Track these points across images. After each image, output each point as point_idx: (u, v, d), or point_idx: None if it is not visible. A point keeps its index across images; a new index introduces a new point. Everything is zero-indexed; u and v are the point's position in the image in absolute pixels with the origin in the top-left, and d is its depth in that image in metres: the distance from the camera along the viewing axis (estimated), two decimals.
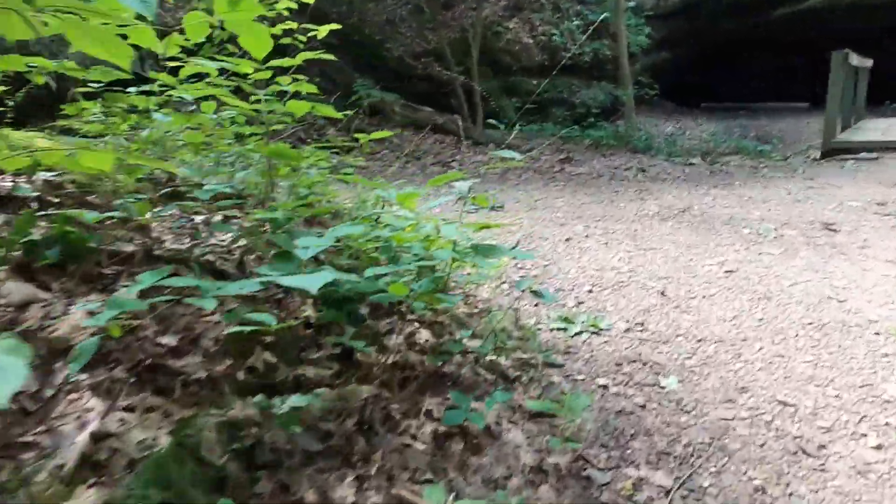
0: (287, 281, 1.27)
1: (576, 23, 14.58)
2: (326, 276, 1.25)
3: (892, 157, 7.24)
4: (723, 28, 17.15)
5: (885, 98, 14.84)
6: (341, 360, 1.66)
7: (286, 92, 2.29)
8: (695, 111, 16.89)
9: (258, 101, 2.18)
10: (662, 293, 3.06)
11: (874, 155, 7.20)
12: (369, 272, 1.59)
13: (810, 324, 2.67)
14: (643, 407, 2.01)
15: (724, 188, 5.39)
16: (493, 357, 1.98)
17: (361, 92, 7.46)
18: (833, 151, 7.61)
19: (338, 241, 1.74)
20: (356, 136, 2.80)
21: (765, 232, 3.91)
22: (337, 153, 3.50)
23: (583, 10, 14.95)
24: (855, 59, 8.26)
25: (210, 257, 1.76)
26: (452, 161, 6.71)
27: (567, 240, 3.92)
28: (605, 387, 2.14)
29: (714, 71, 18.45)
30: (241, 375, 1.41)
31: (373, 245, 1.95)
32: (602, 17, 15.51)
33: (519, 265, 3.43)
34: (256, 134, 2.59)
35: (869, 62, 9.95)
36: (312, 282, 1.22)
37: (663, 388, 2.14)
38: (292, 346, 1.58)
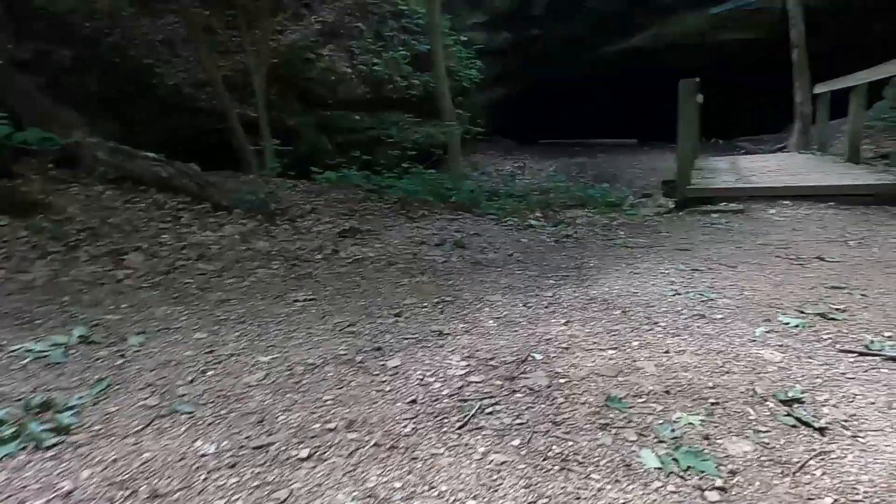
0: None
1: (402, 52, 12.48)
2: None
3: (758, 206, 5.71)
4: (555, 64, 16.07)
5: (709, 135, 14.43)
6: None
7: None
8: (533, 148, 15.45)
9: None
10: None
11: (739, 206, 5.64)
12: None
13: None
14: None
15: (577, 282, 3.17)
16: None
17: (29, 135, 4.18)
18: (689, 201, 6.00)
19: None
20: None
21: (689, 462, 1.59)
22: None
23: (409, 40, 12.88)
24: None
25: None
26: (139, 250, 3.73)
27: None
28: None
29: (550, 107, 17.34)
30: None
31: None
32: (429, 47, 13.64)
33: None
34: None
35: (700, 97, 8.79)
36: None
37: None
38: None
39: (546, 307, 2.76)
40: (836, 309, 2.73)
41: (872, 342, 2.31)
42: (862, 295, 2.93)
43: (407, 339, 2.35)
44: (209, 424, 1.74)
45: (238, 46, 9.57)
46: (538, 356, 2.18)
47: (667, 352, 2.24)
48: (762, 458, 1.54)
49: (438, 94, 8.44)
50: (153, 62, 9.12)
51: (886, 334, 2.40)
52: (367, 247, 3.92)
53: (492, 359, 2.16)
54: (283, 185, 6.12)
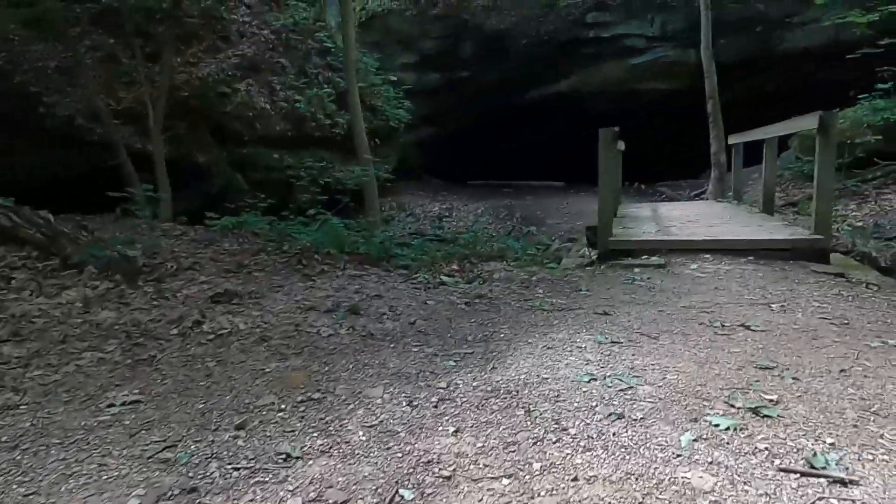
0: None
1: (326, 90, 11.98)
2: None
3: (679, 260, 5.47)
4: (485, 106, 16.03)
5: (632, 179, 14.64)
6: None
7: None
8: (463, 189, 15.18)
9: None
10: None
11: (661, 259, 5.37)
12: None
13: None
14: None
15: (482, 362, 2.60)
16: None
17: None
18: (611, 253, 5.71)
19: None
20: None
21: None
22: None
23: (334, 78, 12.42)
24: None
25: None
26: None
27: None
28: None
29: (480, 148, 17.26)
30: None
31: None
32: (360, 85, 13.21)
33: None
34: None
35: (622, 144, 8.76)
36: None
37: None
38: None
39: (435, 406, 2.22)
40: (769, 400, 2.34)
41: (815, 455, 1.90)
42: (794, 379, 2.57)
43: (239, 468, 1.75)
44: None
45: (146, 76, 8.78)
46: (409, 494, 1.62)
47: (575, 479, 1.74)
48: None
49: (354, 134, 7.93)
50: (40, 90, 8.16)
51: (828, 440, 2.00)
52: (241, 316, 3.28)
53: (346, 502, 1.58)
54: (172, 232, 5.38)
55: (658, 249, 5.43)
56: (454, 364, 2.73)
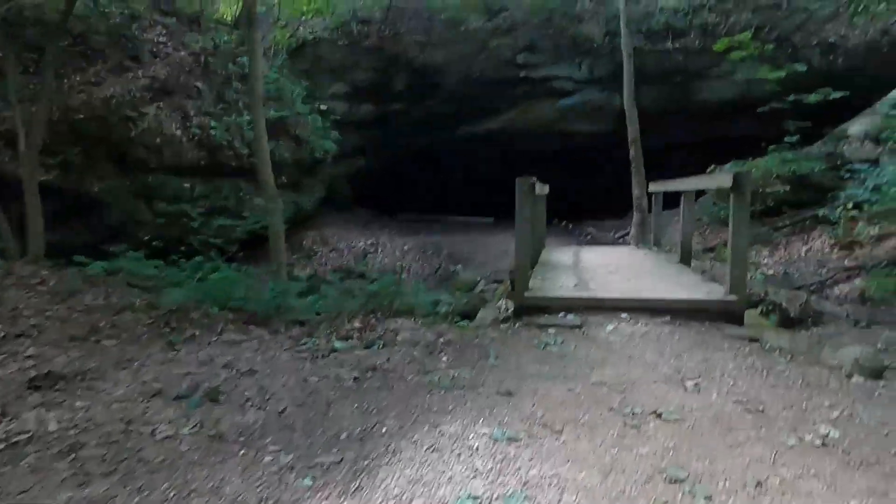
0: None
1: (246, 118, 11.28)
2: None
3: (595, 320, 5.16)
4: (417, 139, 15.72)
5: (560, 217, 14.62)
6: None
7: None
8: (392, 222, 14.73)
9: None
10: None
11: (577, 320, 5.04)
12: None
13: None
14: None
15: (347, 477, 1.96)
16: None
17: None
18: (528, 309, 5.35)
19: None
20: None
21: None
22: None
23: None
24: (537, 188, 6.37)
25: None
26: None
27: None
28: None
29: (411, 181, 16.90)
30: None
31: None
32: (282, 113, 12.59)
33: None
34: None
35: (546, 188, 8.55)
36: None
37: None
38: None
39: None
40: None
41: None
42: (706, 499, 2.18)
43: None
44: None
45: (33, 94, 7.88)
46: None
47: None
48: None
49: (258, 170, 7.32)
50: None
51: None
52: (58, 409, 2.62)
53: None
54: (30, 279, 4.57)
55: (576, 306, 5.11)
56: (310, 484, 2.19)
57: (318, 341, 3.98)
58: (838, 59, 11.95)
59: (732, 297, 4.87)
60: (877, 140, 10.41)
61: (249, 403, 2.92)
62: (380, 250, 11.59)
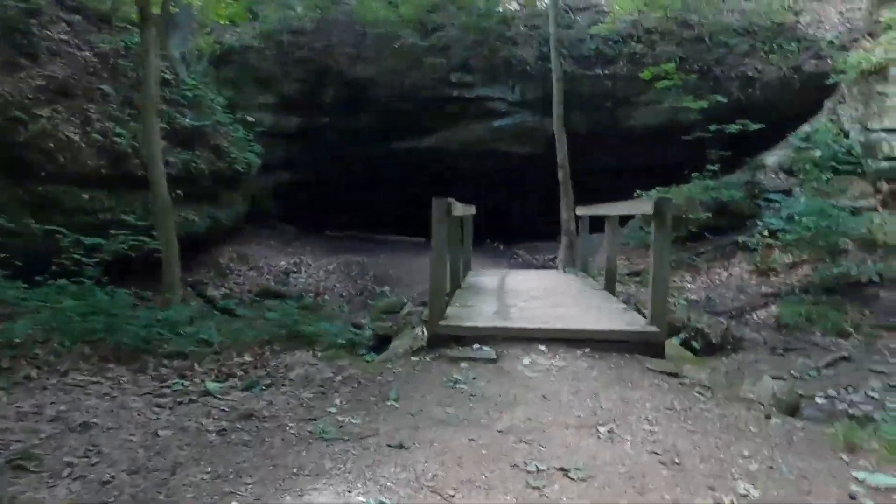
0: None
1: (160, 125, 10.43)
2: None
3: (513, 352, 4.80)
4: (347, 155, 15.16)
5: (493, 237, 14.42)
6: None
7: None
8: (318, 239, 14.03)
9: None
10: None
11: (492, 353, 4.65)
12: None
13: None
14: None
15: None
16: None
17: None
18: (442, 339, 4.94)
19: None
20: None
21: None
22: None
23: (171, 112, 10.92)
24: (458, 209, 6.03)
25: None
26: None
27: None
28: None
29: (339, 198, 16.28)
30: None
31: None
32: (200, 122, 11.78)
33: None
34: None
35: (472, 209, 8.24)
36: None
37: None
38: None
39: None
40: None
41: None
42: None
43: None
44: None
45: None
46: None
47: None
48: None
49: (151, 181, 6.61)
50: None
51: None
52: None
53: None
54: None
55: (492, 336, 4.73)
56: None
57: (189, 382, 3.39)
58: (756, 92, 12.41)
59: (653, 328, 4.64)
60: (790, 171, 10.79)
61: (68, 471, 2.32)
62: (303, 269, 10.93)
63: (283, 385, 3.72)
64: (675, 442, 3.01)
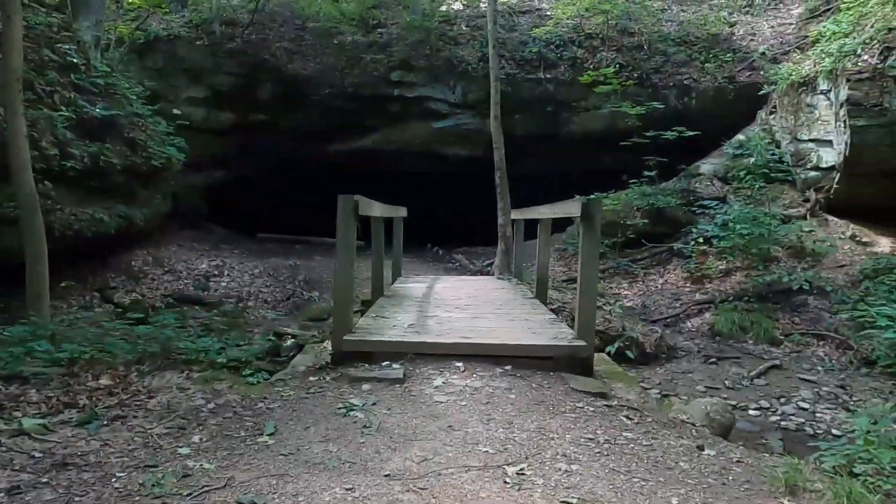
0: None
1: (64, 113, 9.35)
2: None
3: (424, 370, 4.21)
4: (283, 154, 14.29)
5: (432, 241, 13.85)
6: None
7: None
8: (250, 242, 13.11)
9: None
10: None
11: (400, 372, 4.03)
12: None
13: None
14: None
15: None
16: None
17: None
18: (348, 355, 4.30)
19: None
20: None
21: None
22: None
23: (77, 99, 9.82)
24: (376, 210, 5.40)
25: None
26: None
27: None
28: None
29: (275, 198, 15.36)
30: None
31: None
32: (112, 112, 10.73)
33: None
34: None
35: (403, 211, 7.64)
36: None
37: None
38: None
39: None
40: None
41: None
42: None
43: None
44: None
45: None
46: None
47: None
48: None
49: (12, 171, 5.71)
50: None
51: None
52: None
53: None
54: None
55: (404, 353, 4.13)
56: None
57: (2, 418, 2.63)
58: (692, 101, 12.36)
59: (580, 342, 4.15)
60: (724, 179, 10.71)
61: None
62: (225, 273, 10.04)
63: (136, 417, 3.00)
64: (594, 487, 2.49)
